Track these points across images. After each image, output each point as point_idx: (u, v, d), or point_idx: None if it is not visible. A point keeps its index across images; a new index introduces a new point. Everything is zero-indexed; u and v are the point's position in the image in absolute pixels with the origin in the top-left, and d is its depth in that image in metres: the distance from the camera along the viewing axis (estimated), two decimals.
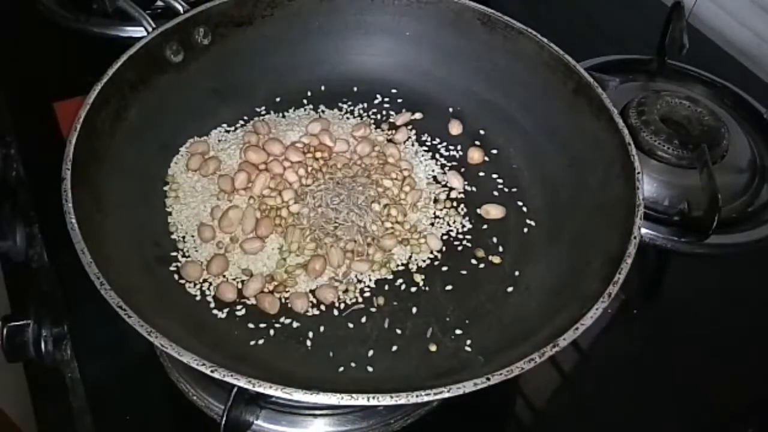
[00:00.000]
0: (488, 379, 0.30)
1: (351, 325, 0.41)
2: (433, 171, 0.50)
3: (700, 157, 0.50)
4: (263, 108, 0.53)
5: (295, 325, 0.41)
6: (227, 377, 0.29)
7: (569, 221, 0.45)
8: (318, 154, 0.49)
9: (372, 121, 0.53)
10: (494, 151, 0.52)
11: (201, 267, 0.43)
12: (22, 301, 0.48)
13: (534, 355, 0.31)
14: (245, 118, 0.52)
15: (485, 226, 0.47)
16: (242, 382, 0.30)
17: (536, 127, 0.50)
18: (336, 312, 0.42)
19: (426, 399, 0.30)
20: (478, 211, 0.48)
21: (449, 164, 0.51)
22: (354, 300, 0.42)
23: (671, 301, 0.51)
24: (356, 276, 0.43)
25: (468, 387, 0.30)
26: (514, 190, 0.49)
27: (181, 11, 0.50)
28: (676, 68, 0.64)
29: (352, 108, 0.54)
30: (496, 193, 0.49)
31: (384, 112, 0.54)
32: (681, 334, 0.48)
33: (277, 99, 0.54)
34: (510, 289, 0.43)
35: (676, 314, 0.49)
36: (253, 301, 0.42)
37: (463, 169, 0.50)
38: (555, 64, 0.48)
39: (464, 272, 0.44)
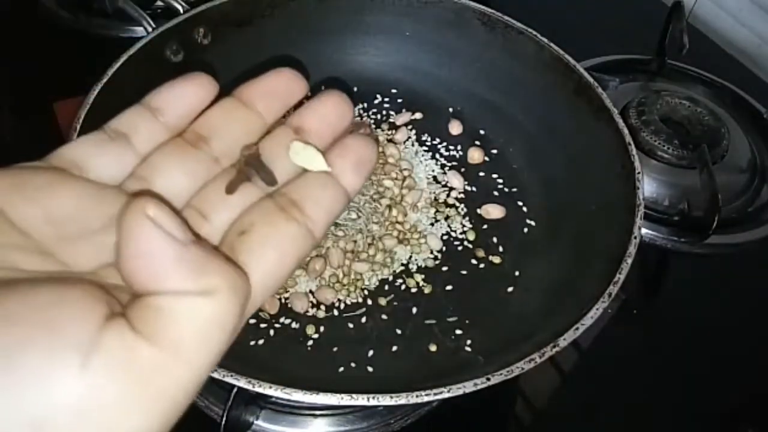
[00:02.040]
0: (488, 379, 0.30)
1: (351, 326, 0.41)
2: (433, 171, 0.50)
3: (700, 157, 0.50)
4: None
5: (295, 325, 0.41)
6: (227, 377, 0.30)
7: (569, 221, 0.45)
8: None
9: (372, 121, 0.53)
10: (494, 151, 0.52)
11: None
12: None
13: (534, 355, 0.31)
14: None
15: (485, 226, 0.47)
16: (242, 382, 0.30)
17: (536, 127, 0.50)
18: (336, 312, 0.42)
19: (426, 399, 0.30)
20: (478, 211, 0.48)
21: (449, 164, 0.51)
22: (354, 300, 0.42)
23: (671, 301, 0.51)
24: (356, 276, 0.43)
25: (468, 387, 0.30)
26: (514, 190, 0.49)
27: (181, 11, 0.50)
28: (676, 68, 0.64)
29: None
30: (496, 193, 0.49)
31: (384, 112, 0.54)
32: (681, 334, 0.48)
33: None
34: (510, 289, 0.43)
35: (676, 314, 0.49)
36: None
37: (463, 169, 0.50)
38: (555, 64, 0.48)
39: (464, 272, 0.44)
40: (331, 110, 0.20)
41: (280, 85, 0.20)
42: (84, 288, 0.14)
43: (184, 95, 0.19)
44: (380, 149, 0.50)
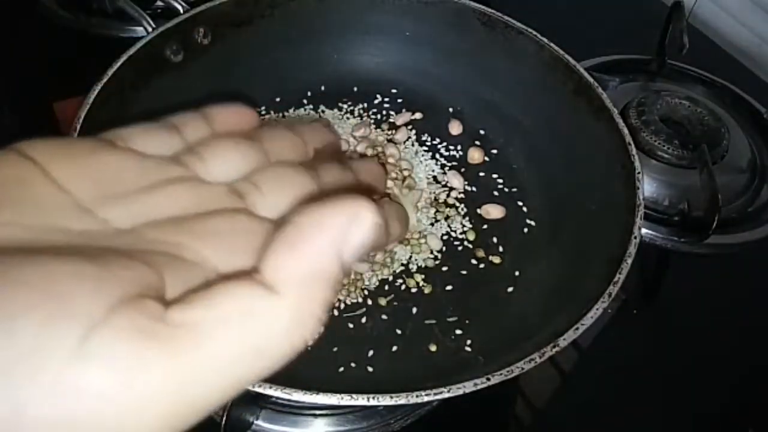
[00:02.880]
0: (488, 379, 0.30)
1: (351, 326, 0.41)
2: (433, 171, 0.50)
3: (700, 157, 0.50)
4: (263, 108, 0.53)
5: None
6: None
7: (569, 221, 0.45)
8: None
9: (372, 121, 0.53)
10: (494, 151, 0.52)
11: None
12: None
13: (534, 355, 0.31)
14: None
15: (485, 226, 0.47)
16: None
17: (536, 127, 0.50)
18: (336, 312, 0.42)
19: (426, 399, 0.30)
20: (478, 211, 0.48)
21: (449, 164, 0.51)
22: (354, 300, 0.42)
23: (671, 301, 0.51)
24: (356, 276, 0.43)
25: (468, 387, 0.30)
26: (514, 190, 0.49)
27: (181, 11, 0.50)
28: (676, 68, 0.64)
29: (352, 108, 0.54)
30: (496, 193, 0.49)
31: (384, 112, 0.54)
32: (681, 334, 0.48)
33: (277, 99, 0.54)
34: (510, 289, 0.43)
35: (676, 314, 0.49)
36: None
37: (463, 169, 0.50)
38: (555, 64, 0.48)
39: (464, 272, 0.44)
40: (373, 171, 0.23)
41: (325, 136, 0.23)
42: (107, 264, 0.13)
43: (234, 111, 0.21)
44: (380, 149, 0.50)
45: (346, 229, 0.14)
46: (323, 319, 0.14)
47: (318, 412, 0.40)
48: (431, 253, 0.45)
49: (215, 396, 0.13)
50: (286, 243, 0.14)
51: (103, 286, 0.13)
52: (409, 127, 0.53)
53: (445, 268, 0.45)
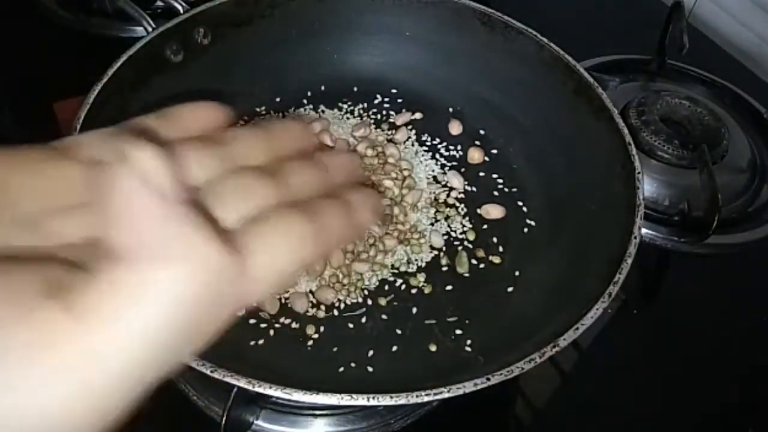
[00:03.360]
0: (488, 379, 0.30)
1: (351, 326, 0.41)
2: (433, 171, 0.50)
3: (700, 157, 0.50)
4: (263, 108, 0.53)
5: (295, 325, 0.41)
6: (227, 377, 0.30)
7: (569, 221, 0.45)
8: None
9: (372, 121, 0.53)
10: (494, 151, 0.52)
11: None
12: None
13: (534, 355, 0.31)
14: (245, 118, 0.52)
15: (485, 226, 0.47)
16: (242, 383, 0.30)
17: (536, 127, 0.50)
18: (336, 312, 0.42)
19: (426, 399, 0.30)
20: (478, 211, 0.48)
21: (449, 164, 0.51)
22: (354, 300, 0.42)
23: (671, 301, 0.51)
24: (356, 276, 0.43)
25: (468, 387, 0.30)
26: (514, 190, 0.49)
27: (181, 11, 0.50)
28: (676, 68, 0.64)
29: (352, 108, 0.54)
30: (496, 193, 0.49)
31: (384, 112, 0.54)
32: (681, 334, 0.48)
33: (277, 99, 0.54)
34: (510, 289, 0.43)
35: (676, 314, 0.49)
36: None
37: (463, 169, 0.50)
38: (555, 64, 0.48)
39: (464, 272, 0.44)
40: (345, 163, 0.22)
41: (297, 134, 0.22)
42: (17, 266, 0.14)
43: (201, 110, 0.21)
44: (380, 149, 0.50)
45: (135, 175, 0.14)
46: (222, 254, 0.14)
47: (318, 412, 0.40)
48: (431, 252, 0.45)
49: (144, 369, 0.14)
50: (116, 233, 0.14)
51: (12, 287, 0.13)
52: (409, 127, 0.53)
53: (445, 268, 0.45)
